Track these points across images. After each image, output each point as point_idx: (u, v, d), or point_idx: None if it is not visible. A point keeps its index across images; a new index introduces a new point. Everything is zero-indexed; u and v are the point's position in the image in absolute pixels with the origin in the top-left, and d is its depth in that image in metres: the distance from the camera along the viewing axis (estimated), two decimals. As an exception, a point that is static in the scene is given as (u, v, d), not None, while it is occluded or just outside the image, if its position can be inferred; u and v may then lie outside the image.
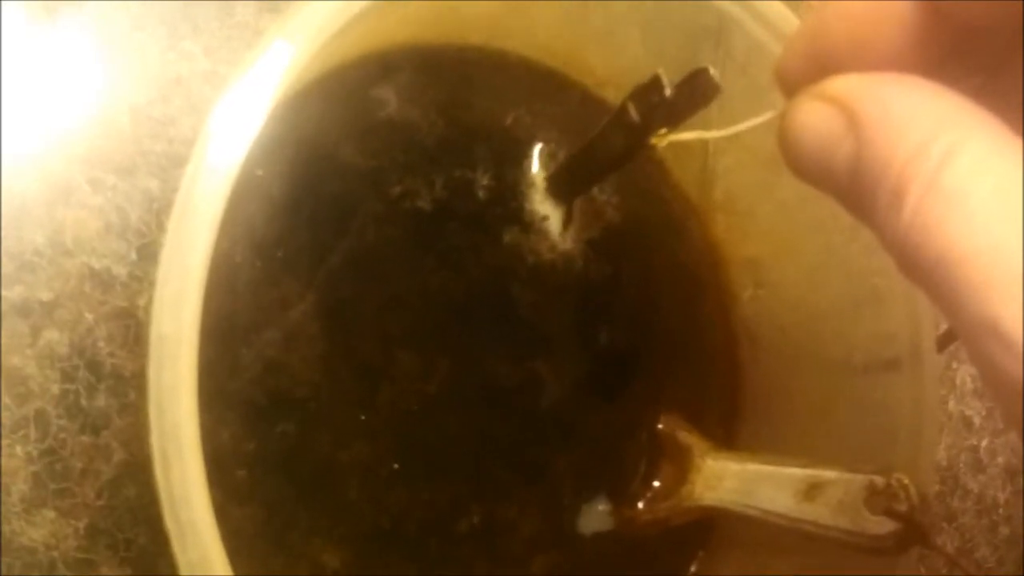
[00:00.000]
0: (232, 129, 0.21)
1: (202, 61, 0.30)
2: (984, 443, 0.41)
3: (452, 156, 0.31)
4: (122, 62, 0.29)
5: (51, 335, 0.27)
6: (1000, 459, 0.41)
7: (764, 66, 0.29)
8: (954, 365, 0.41)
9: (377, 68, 0.29)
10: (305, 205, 0.28)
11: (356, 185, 0.29)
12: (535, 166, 0.32)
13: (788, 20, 0.29)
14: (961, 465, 0.41)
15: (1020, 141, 0.16)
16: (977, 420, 0.41)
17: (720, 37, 0.30)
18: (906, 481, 0.28)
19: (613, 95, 0.33)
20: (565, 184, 0.32)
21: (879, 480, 0.28)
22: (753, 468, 0.30)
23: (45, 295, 0.28)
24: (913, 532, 0.27)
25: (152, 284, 0.28)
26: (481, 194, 0.31)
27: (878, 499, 0.27)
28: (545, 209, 0.32)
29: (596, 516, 0.32)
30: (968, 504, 0.41)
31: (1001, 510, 0.41)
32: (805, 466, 0.29)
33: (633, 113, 0.26)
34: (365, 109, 0.30)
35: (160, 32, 0.30)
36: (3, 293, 0.27)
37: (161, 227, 0.29)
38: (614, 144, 0.27)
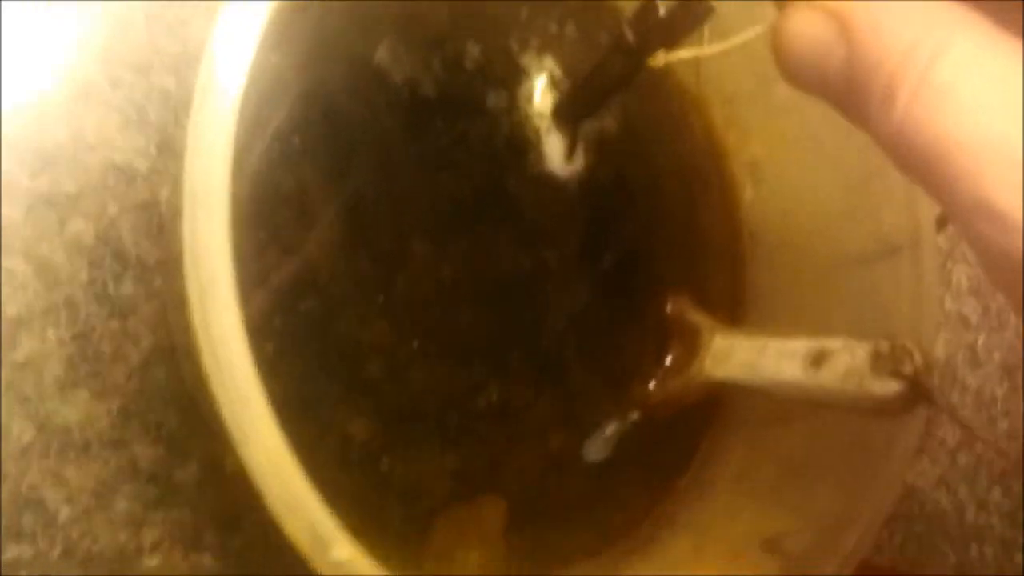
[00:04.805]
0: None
1: (213, -36, 0.31)
2: (981, 340, 0.42)
3: (463, 54, 0.31)
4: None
5: (77, 225, 0.28)
6: (997, 355, 0.42)
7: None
8: (949, 265, 0.42)
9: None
10: (319, 95, 0.29)
11: (368, 78, 0.30)
12: (543, 72, 0.33)
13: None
14: (959, 362, 0.42)
15: (1006, 37, 0.16)
16: (974, 318, 0.42)
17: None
18: (910, 346, 0.28)
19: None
20: (570, 111, 0.32)
21: (884, 345, 0.28)
22: (761, 341, 0.30)
23: (70, 187, 0.28)
24: (918, 392, 0.28)
25: (172, 178, 0.29)
26: (491, 94, 0.32)
27: (884, 363, 0.28)
28: (551, 121, 0.33)
29: (602, 443, 0.33)
30: (967, 399, 0.42)
31: (999, 405, 0.42)
32: (812, 337, 0.29)
33: (630, 36, 0.27)
34: (375, 5, 0.30)
35: (172, -64, 0.30)
36: (30, 184, 0.28)
37: (178, 124, 0.29)
38: (614, 68, 0.28)
